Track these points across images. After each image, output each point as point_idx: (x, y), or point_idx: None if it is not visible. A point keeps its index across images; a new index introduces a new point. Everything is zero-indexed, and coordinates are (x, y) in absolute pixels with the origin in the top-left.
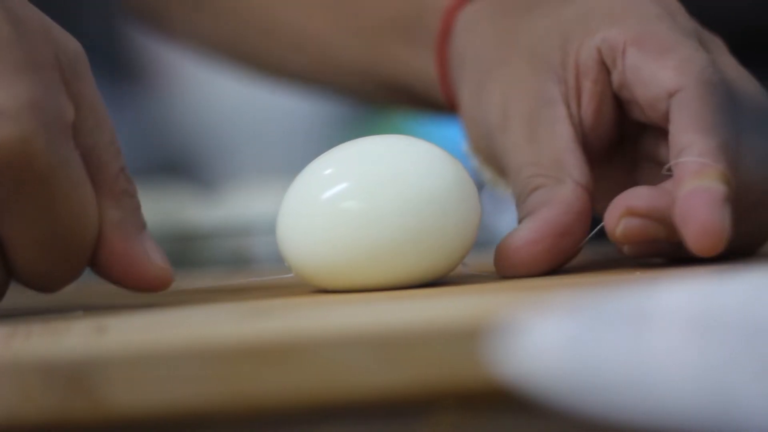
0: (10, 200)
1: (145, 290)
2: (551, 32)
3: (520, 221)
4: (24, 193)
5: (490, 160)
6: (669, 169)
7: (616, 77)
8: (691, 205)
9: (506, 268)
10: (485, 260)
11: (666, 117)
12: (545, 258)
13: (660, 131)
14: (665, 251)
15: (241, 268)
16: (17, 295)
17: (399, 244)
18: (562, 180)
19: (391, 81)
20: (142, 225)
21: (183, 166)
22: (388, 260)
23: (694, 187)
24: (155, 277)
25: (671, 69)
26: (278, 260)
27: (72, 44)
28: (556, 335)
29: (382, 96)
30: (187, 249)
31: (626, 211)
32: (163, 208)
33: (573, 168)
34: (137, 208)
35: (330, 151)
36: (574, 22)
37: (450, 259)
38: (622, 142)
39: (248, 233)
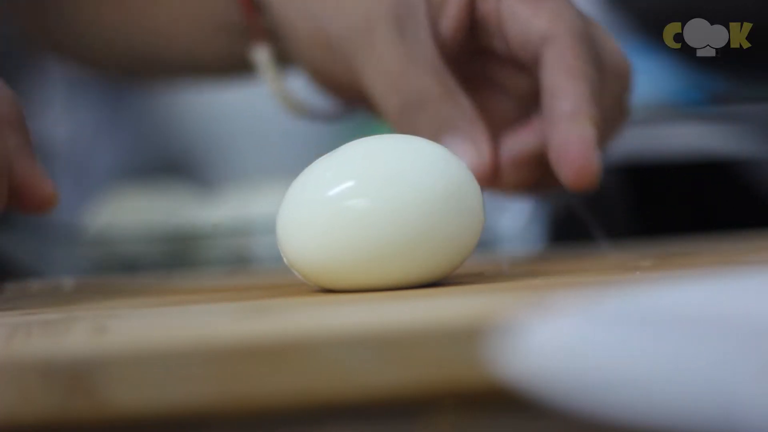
0: None
1: (31, 209)
2: None
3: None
4: None
5: (337, 65)
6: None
7: (482, 7)
8: (566, 148)
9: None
10: (487, 260)
11: (534, 59)
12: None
13: (507, 60)
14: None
15: (241, 268)
16: (17, 295)
17: (401, 243)
18: (457, 99)
19: (225, 19)
20: (35, 152)
21: (183, 166)
22: (390, 260)
23: (568, 131)
24: (45, 196)
25: (545, 18)
26: (278, 260)
27: None
28: (556, 335)
29: (226, 47)
30: (187, 249)
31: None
32: (163, 208)
33: (457, 86)
34: (31, 138)
35: (333, 151)
36: None
37: (452, 259)
38: (469, 64)
39: (248, 233)
